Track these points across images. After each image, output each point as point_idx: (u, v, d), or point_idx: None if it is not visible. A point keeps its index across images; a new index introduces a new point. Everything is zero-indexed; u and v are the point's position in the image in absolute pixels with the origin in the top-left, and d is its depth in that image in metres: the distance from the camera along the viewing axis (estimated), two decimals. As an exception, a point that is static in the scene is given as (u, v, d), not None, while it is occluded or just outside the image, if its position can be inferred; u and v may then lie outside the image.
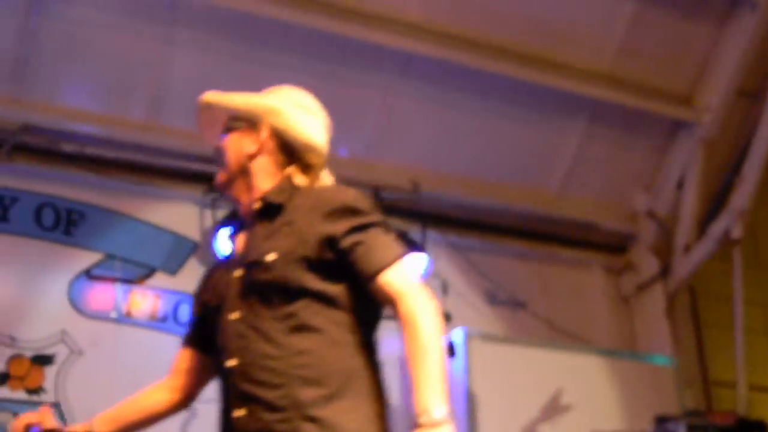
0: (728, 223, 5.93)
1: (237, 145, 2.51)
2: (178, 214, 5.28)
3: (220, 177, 2.52)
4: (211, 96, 2.59)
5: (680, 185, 6.31)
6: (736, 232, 5.89)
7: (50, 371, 4.74)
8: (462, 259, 5.98)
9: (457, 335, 5.19)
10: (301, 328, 2.20)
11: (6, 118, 4.93)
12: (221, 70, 5.19)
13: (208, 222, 5.21)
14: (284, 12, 5.10)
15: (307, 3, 5.15)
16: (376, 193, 5.72)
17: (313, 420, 2.11)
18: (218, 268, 2.53)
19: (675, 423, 5.10)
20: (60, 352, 4.78)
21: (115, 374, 4.75)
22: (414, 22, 5.43)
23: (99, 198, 5.15)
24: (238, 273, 2.32)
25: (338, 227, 2.25)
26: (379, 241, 2.26)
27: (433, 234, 5.82)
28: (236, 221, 2.59)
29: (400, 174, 5.77)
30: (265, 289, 2.23)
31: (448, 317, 5.18)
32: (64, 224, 5.04)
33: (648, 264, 6.41)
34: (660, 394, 5.63)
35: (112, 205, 5.14)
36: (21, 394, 4.66)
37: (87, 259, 5.03)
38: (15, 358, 4.71)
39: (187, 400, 2.56)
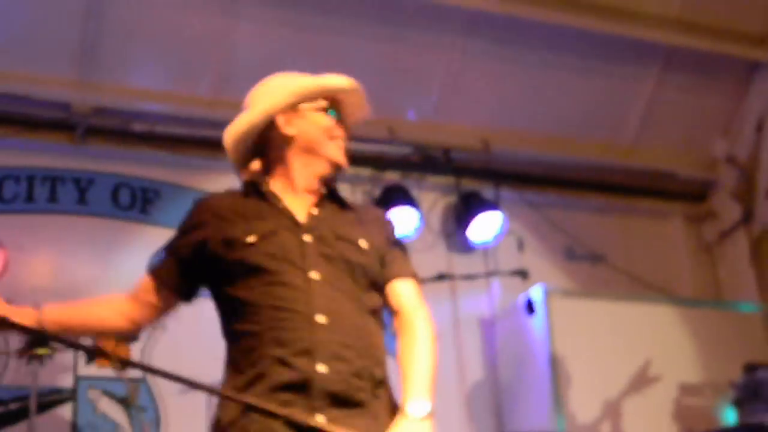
0: (811, 164, 5.78)
1: None
2: (251, 186, 5.32)
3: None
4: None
5: (759, 128, 6.14)
6: (819, 174, 5.74)
7: (136, 347, 4.82)
8: (538, 216, 5.93)
9: (537, 292, 5.15)
10: (374, 314, 2.43)
11: (78, 101, 5.02)
12: (285, 41, 5.20)
13: (281, 192, 5.25)
14: (344, -23, 5.08)
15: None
16: (447, 154, 5.70)
17: (378, 398, 2.33)
18: (227, 207, 2.51)
19: (765, 370, 5.00)
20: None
21: (198, 348, 4.79)
22: (476, -22, 5.35)
23: (172, 175, 5.22)
24: (307, 237, 2.42)
25: (390, 236, 2.58)
26: (403, 257, 2.58)
27: (507, 192, 5.79)
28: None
29: (471, 134, 5.74)
30: (356, 269, 2.41)
31: (525, 274, 5.14)
32: (140, 203, 5.12)
33: (730, 210, 6.28)
34: (748, 342, 5.53)
35: (185, 182, 5.20)
36: (108, 371, 4.76)
37: (164, 235, 5.03)
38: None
39: (136, 332, 2.63)
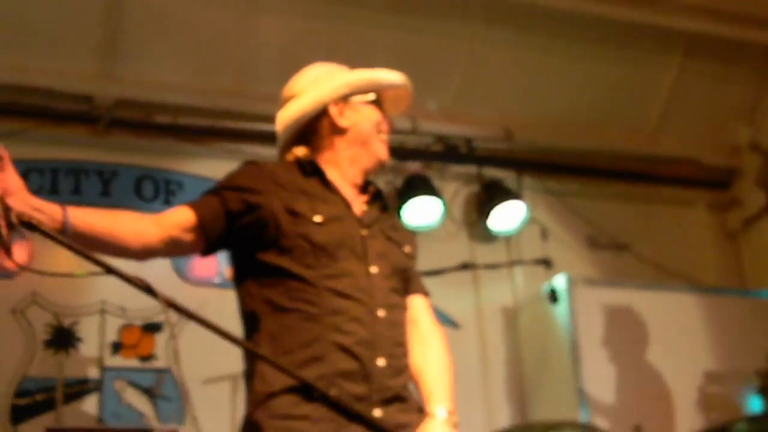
0: (836, 150, 5.73)
1: None
2: (274, 177, 5.33)
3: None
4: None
5: (783, 114, 6.11)
6: None
7: (160, 338, 4.86)
8: (560, 205, 5.91)
9: (560, 281, 5.13)
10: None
11: (100, 94, 5.04)
12: (305, 32, 5.20)
13: (303, 183, 5.27)
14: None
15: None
16: (469, 143, 5.69)
17: (410, 395, 2.41)
18: (287, 179, 2.44)
19: (790, 358, 4.98)
20: (168, 319, 4.88)
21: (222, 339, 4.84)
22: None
23: (195, 166, 5.23)
24: (364, 232, 2.44)
25: (415, 249, 2.65)
26: (418, 274, 2.66)
27: (529, 181, 5.78)
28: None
29: (492, 123, 5.72)
30: (401, 273, 2.48)
31: (549, 264, 5.13)
32: (163, 194, 5.14)
33: (754, 197, 6.24)
34: (774, 330, 5.50)
35: (208, 173, 5.19)
36: (134, 362, 4.79)
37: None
38: (126, 328, 4.84)
39: (138, 259, 2.31)
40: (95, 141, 5.06)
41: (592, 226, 5.95)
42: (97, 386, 4.67)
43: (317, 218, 2.36)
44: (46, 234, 1.98)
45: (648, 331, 5.20)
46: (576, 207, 5.93)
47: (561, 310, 5.12)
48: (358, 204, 2.51)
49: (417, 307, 2.56)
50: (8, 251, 1.90)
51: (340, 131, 2.55)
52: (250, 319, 2.40)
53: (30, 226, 1.96)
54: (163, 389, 4.76)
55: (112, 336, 4.79)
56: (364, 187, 2.59)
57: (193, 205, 2.38)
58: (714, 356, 5.30)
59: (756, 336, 5.37)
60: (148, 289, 2.00)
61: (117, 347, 4.79)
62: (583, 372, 4.95)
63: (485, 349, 5.42)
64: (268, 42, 5.24)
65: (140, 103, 5.14)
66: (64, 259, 4.76)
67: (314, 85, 2.59)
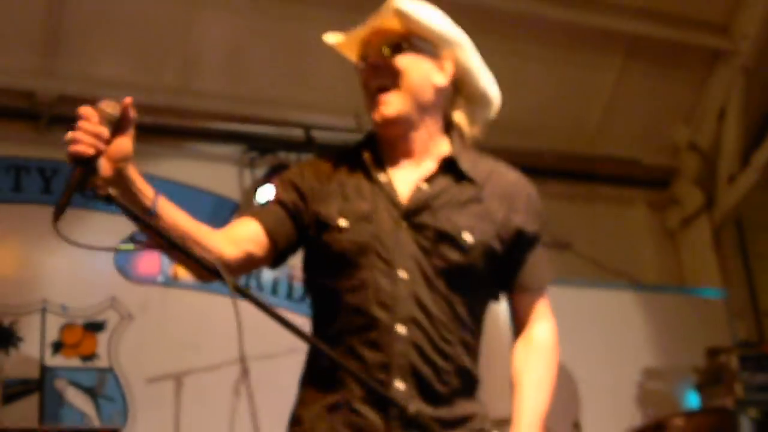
0: (772, 151, 5.84)
1: (423, 71, 2.19)
2: (218, 175, 5.32)
3: (395, 109, 2.15)
4: (407, 4, 2.19)
5: (721, 116, 6.21)
6: (781, 160, 5.80)
7: (102, 337, 4.82)
8: (504, 203, 5.95)
9: (502, 280, 5.18)
10: (467, 325, 2.15)
11: (42, 90, 4.98)
12: (249, 29, 5.18)
13: (248, 181, 5.25)
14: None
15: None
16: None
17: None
18: (336, 168, 2.17)
19: (727, 355, 5.07)
20: (111, 318, 4.86)
21: (165, 337, 4.82)
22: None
23: (138, 164, 5.12)
24: (404, 225, 2.05)
25: (529, 227, 2.19)
26: (545, 258, 2.27)
27: (473, 180, 5.81)
28: (372, 144, 2.25)
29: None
30: (452, 271, 2.04)
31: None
32: (106, 192, 5.08)
33: (692, 197, 6.35)
34: (711, 327, 5.61)
35: (151, 170, 5.14)
36: (75, 361, 4.75)
37: (131, 225, 5.06)
38: (68, 327, 4.79)
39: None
40: (36, 138, 5.01)
41: (534, 224, 6.00)
42: (37, 386, 4.61)
43: (342, 222, 2.05)
44: (123, 208, 1.83)
45: (589, 328, 5.27)
46: (519, 206, 5.97)
47: (502, 307, 5.16)
48: (412, 184, 2.11)
49: (521, 309, 2.26)
50: (58, 215, 1.75)
51: None
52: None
53: (106, 198, 1.80)
54: (106, 389, 4.72)
55: (53, 335, 4.74)
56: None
57: (256, 214, 2.13)
58: (653, 353, 5.39)
59: (694, 333, 5.47)
60: (217, 273, 1.77)
61: (58, 347, 4.74)
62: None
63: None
64: (211, 39, 5.21)
65: (83, 99, 5.00)
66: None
67: None
